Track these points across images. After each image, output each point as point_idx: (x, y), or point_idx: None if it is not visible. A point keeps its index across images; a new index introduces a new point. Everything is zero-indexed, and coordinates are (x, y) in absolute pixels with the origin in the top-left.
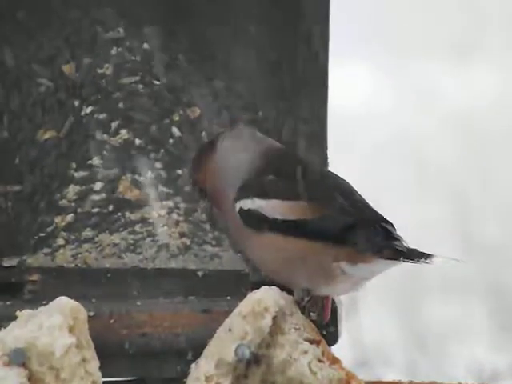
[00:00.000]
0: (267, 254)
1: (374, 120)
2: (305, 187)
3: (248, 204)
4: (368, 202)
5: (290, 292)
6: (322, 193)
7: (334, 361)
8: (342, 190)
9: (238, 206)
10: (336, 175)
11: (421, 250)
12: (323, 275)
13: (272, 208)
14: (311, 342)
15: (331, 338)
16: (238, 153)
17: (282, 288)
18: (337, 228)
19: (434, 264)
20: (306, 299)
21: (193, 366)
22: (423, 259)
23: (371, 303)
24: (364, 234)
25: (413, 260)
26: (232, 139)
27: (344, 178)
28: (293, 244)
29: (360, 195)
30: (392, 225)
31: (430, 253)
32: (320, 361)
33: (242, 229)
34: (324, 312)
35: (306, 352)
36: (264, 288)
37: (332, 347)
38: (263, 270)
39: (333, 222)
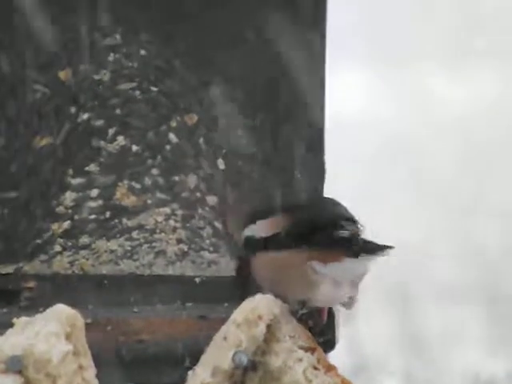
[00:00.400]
0: (260, 271)
1: (371, 127)
2: (280, 204)
3: (246, 232)
4: (339, 202)
5: (285, 300)
6: (293, 205)
7: (330, 368)
8: (314, 201)
9: (242, 237)
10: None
11: (381, 243)
12: (302, 280)
13: (258, 228)
14: (306, 349)
15: (328, 344)
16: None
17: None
18: (302, 232)
19: (388, 255)
20: (301, 312)
21: (190, 373)
22: (382, 252)
23: (369, 310)
24: (331, 235)
25: (372, 254)
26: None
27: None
28: (278, 257)
29: (332, 199)
30: (355, 223)
31: (388, 245)
32: (315, 368)
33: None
34: (321, 315)
35: (300, 360)
36: (258, 296)
37: (329, 354)
38: (264, 288)
39: (300, 227)
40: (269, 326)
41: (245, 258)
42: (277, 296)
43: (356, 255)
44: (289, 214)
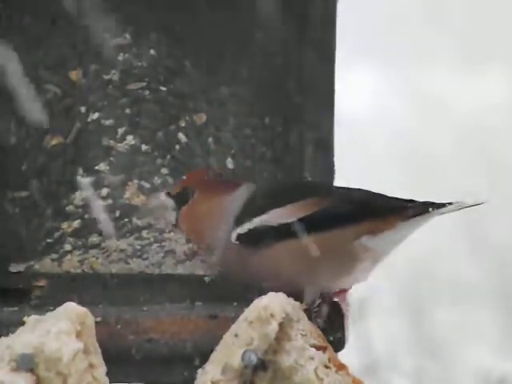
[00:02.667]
0: (279, 263)
1: (380, 126)
2: (295, 190)
3: (246, 226)
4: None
5: (296, 298)
6: (314, 189)
7: (341, 367)
8: (341, 187)
9: (233, 235)
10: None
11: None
12: (345, 261)
13: (273, 217)
14: (318, 348)
15: (338, 343)
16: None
17: (289, 294)
18: (349, 208)
19: (458, 209)
20: (318, 301)
21: (199, 371)
22: (445, 208)
23: (379, 309)
24: (379, 204)
25: (437, 211)
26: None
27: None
28: (306, 242)
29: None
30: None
31: (450, 201)
32: (326, 367)
33: (243, 254)
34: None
35: (312, 358)
36: (270, 294)
37: (339, 353)
38: (274, 283)
39: (342, 204)
40: (281, 325)
41: (243, 251)
42: (292, 287)
43: (411, 217)
44: (319, 197)
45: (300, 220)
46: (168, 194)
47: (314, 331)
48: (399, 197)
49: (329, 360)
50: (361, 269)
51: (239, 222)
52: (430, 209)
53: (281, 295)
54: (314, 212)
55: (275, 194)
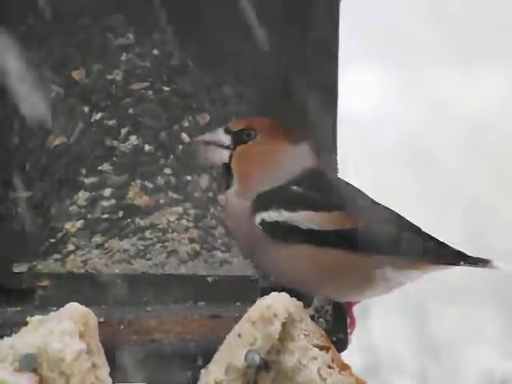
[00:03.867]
0: (295, 264)
1: (384, 125)
2: (337, 198)
3: (274, 216)
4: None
5: (299, 298)
6: (355, 204)
7: (344, 367)
8: (371, 201)
9: (258, 217)
10: (355, 188)
11: (467, 253)
12: (361, 283)
13: (305, 219)
14: (321, 348)
15: (341, 344)
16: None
17: (292, 294)
18: (382, 237)
19: (491, 268)
20: (327, 308)
21: (203, 371)
22: (480, 263)
23: (381, 309)
24: (415, 242)
25: (470, 264)
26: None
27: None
28: (329, 254)
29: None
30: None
31: (485, 257)
32: (329, 367)
33: (261, 239)
34: (350, 321)
35: (315, 358)
36: (273, 294)
37: (342, 353)
38: (284, 281)
39: (375, 230)
40: (284, 324)
41: (263, 238)
42: (297, 288)
43: (441, 263)
44: (353, 214)
45: (330, 231)
46: (226, 130)
47: (317, 331)
48: (432, 235)
49: (332, 360)
50: (374, 293)
51: (264, 200)
52: (462, 262)
53: (284, 295)
54: (347, 228)
55: (315, 190)
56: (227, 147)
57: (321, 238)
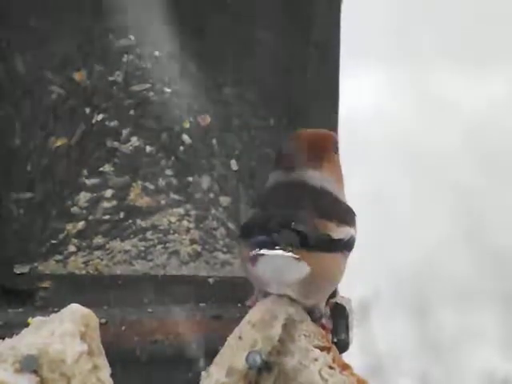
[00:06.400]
0: (330, 273)
1: (384, 127)
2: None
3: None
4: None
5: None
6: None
7: (345, 367)
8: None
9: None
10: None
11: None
12: (336, 284)
13: (338, 231)
14: (322, 348)
15: (342, 345)
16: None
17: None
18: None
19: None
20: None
21: (203, 374)
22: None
23: (383, 310)
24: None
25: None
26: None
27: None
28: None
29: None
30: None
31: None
32: (331, 367)
33: None
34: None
35: (316, 359)
36: (273, 296)
37: (343, 354)
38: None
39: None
40: (284, 326)
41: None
42: (322, 298)
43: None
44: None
45: (343, 239)
46: None
47: (318, 332)
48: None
49: (333, 360)
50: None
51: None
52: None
53: (283, 297)
54: (347, 238)
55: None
56: None
57: (340, 247)
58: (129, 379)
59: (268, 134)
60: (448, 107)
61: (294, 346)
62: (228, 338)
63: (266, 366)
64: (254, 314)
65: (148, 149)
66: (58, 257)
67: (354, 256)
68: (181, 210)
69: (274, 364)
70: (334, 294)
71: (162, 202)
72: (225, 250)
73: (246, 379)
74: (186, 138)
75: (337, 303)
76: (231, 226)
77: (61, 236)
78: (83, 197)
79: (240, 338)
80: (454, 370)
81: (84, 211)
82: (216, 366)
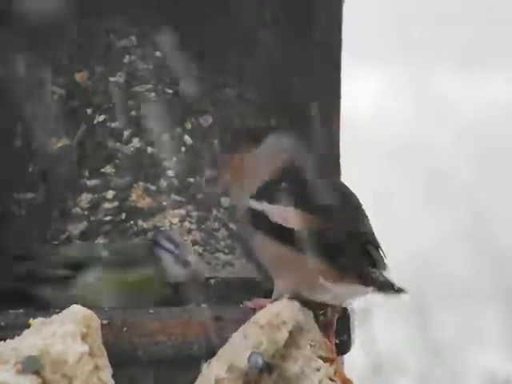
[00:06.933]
0: (261, 253)
1: (384, 127)
2: (308, 199)
3: (257, 205)
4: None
5: (310, 307)
6: (324, 207)
7: (346, 381)
8: (348, 205)
9: (247, 204)
10: (347, 190)
11: (394, 283)
12: (305, 284)
13: (276, 212)
14: (325, 359)
15: (344, 346)
16: (263, 160)
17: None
18: (325, 245)
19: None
20: (283, 299)
21: (205, 365)
22: (394, 292)
23: (383, 311)
24: (349, 257)
25: (384, 291)
26: (269, 144)
27: (353, 193)
28: (279, 249)
29: (364, 214)
30: (380, 251)
31: (402, 288)
32: (331, 380)
33: (246, 225)
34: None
35: (318, 369)
36: (284, 301)
37: (344, 355)
38: (262, 263)
39: (322, 238)
40: (291, 332)
41: (245, 224)
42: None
43: (369, 286)
44: (314, 216)
45: (290, 229)
46: None
47: (324, 343)
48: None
49: (335, 373)
50: (324, 299)
51: (258, 194)
52: (392, 291)
53: (294, 303)
54: (294, 228)
55: (295, 183)
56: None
57: (282, 234)
58: (130, 380)
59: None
60: (448, 107)
61: (298, 352)
62: (233, 335)
63: (267, 368)
64: (264, 316)
65: (149, 150)
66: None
67: None
68: (182, 211)
69: (276, 367)
70: None
71: (164, 203)
72: (226, 251)
73: (245, 378)
74: (187, 138)
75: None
76: (233, 226)
77: (62, 237)
78: (85, 198)
79: (245, 336)
80: (455, 370)
81: (85, 212)
82: (218, 360)
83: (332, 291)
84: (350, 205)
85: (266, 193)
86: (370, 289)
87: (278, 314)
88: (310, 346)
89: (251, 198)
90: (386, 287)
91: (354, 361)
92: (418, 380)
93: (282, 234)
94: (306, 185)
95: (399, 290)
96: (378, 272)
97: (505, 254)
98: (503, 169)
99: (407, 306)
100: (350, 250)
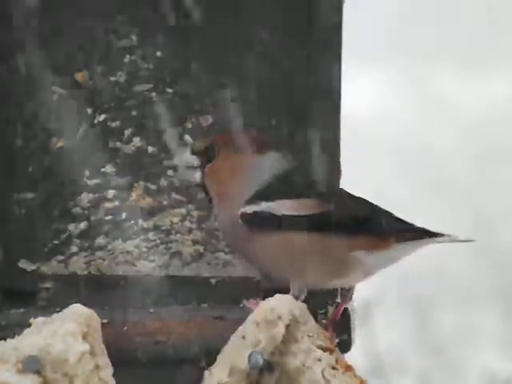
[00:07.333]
0: (274, 251)
1: (384, 127)
2: (311, 188)
3: (253, 208)
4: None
5: (304, 300)
6: (326, 191)
7: (348, 368)
8: (349, 195)
9: (240, 210)
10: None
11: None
12: (337, 268)
13: (280, 206)
14: (324, 349)
15: (344, 345)
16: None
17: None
18: (351, 218)
19: (449, 241)
20: (303, 296)
21: (206, 373)
22: (440, 237)
23: (384, 310)
24: (379, 222)
25: (431, 238)
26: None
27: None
28: (305, 239)
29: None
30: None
31: (443, 232)
32: (333, 368)
33: (242, 232)
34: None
35: (319, 360)
36: (277, 296)
37: (345, 355)
38: (266, 269)
39: (345, 213)
40: (288, 326)
41: (244, 230)
42: (280, 277)
43: (406, 240)
44: (325, 199)
45: (304, 216)
46: (192, 150)
47: (321, 333)
48: (400, 217)
49: (336, 361)
50: (351, 279)
51: (251, 199)
52: (426, 236)
53: (288, 297)
54: (319, 212)
55: (289, 183)
56: (196, 167)
57: (295, 224)
58: (130, 379)
59: (270, 134)
60: (448, 107)
61: (297, 346)
62: (231, 337)
63: (268, 367)
64: (259, 313)
65: (150, 149)
66: (60, 257)
67: None
68: (183, 211)
69: (277, 364)
70: (335, 295)
71: (164, 202)
72: (227, 250)
73: (248, 379)
74: (187, 138)
75: (339, 303)
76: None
77: (63, 236)
78: (85, 197)
79: (243, 337)
80: (455, 370)
81: (86, 212)
82: (218, 365)
83: (367, 263)
84: (354, 196)
85: (263, 195)
86: (411, 243)
87: (273, 309)
88: (308, 337)
89: (246, 203)
90: (421, 235)
91: (354, 361)
92: (419, 380)
93: (297, 223)
94: (306, 184)
95: (437, 234)
96: (411, 225)
97: (505, 254)
98: (503, 169)
99: (408, 305)
100: (376, 217)
